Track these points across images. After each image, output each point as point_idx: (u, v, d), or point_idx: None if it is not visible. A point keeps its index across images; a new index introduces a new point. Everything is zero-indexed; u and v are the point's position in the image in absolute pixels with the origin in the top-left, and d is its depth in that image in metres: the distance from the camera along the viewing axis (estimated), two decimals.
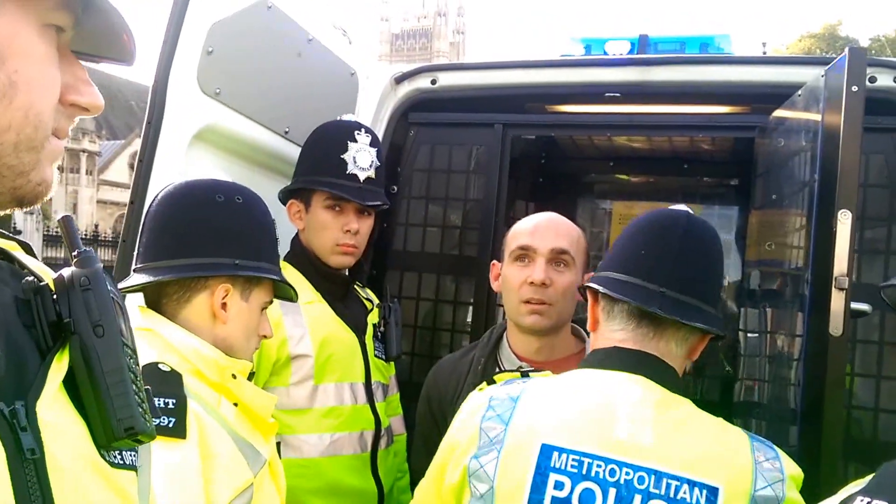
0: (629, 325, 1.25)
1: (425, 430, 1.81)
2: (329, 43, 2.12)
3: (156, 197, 1.41)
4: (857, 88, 1.64)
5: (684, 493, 1.16)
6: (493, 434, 1.23)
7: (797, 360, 1.90)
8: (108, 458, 0.70)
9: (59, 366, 0.67)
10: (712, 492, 1.15)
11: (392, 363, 2.08)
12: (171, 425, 1.13)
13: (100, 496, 0.66)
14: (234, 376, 1.29)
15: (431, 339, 2.64)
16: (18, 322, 0.65)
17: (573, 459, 1.20)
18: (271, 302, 1.45)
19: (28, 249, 0.74)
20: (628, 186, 3.59)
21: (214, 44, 1.63)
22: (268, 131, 1.88)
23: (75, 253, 0.72)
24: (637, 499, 1.16)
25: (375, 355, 1.96)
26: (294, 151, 2.00)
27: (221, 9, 1.65)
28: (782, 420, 1.99)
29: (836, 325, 1.62)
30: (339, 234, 1.88)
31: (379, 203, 1.91)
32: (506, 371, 1.71)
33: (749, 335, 2.52)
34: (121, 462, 0.71)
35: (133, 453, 0.74)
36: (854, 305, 1.71)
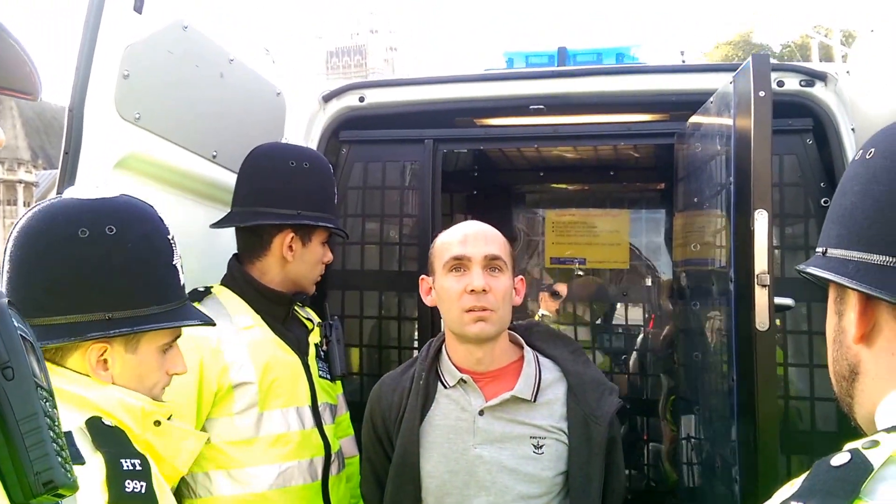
0: None
1: (371, 453, 1.77)
2: (252, 63, 2.10)
3: (14, 227, 1.19)
4: (763, 93, 1.71)
5: None
6: None
7: (729, 356, 1.96)
8: None
9: None
10: None
11: (338, 382, 2.06)
12: (143, 491, 1.01)
13: None
14: (157, 423, 1.18)
15: (379, 357, 2.64)
16: None
17: None
18: (176, 338, 1.30)
19: None
20: (559, 194, 3.68)
21: (130, 67, 1.59)
22: (195, 156, 1.85)
23: None
24: None
25: (320, 376, 1.93)
26: (223, 175, 1.97)
27: (135, 31, 1.61)
28: (721, 416, 2.06)
29: (761, 321, 1.68)
30: (322, 266, 1.98)
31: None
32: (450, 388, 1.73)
33: (683, 332, 2.61)
34: None
35: None
36: (778, 300, 1.77)
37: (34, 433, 0.63)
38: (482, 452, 1.64)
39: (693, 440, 2.41)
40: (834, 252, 0.82)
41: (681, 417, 2.57)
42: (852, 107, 2.19)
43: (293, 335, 1.90)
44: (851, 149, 2.16)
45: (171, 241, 1.28)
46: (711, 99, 2.12)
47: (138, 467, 1.03)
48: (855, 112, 2.15)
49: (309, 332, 1.97)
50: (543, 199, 3.71)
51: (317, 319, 2.04)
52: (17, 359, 0.64)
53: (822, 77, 2.25)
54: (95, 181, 1.53)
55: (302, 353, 1.89)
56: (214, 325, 1.37)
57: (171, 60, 1.72)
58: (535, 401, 1.67)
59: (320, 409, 1.89)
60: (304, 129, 2.45)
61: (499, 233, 1.75)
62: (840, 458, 0.71)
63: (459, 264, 1.67)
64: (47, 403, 0.66)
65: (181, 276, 1.29)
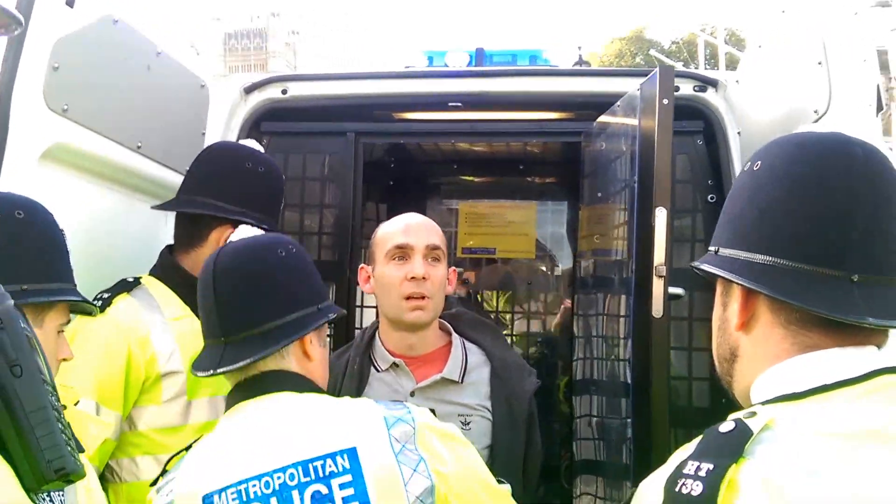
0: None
1: None
2: (178, 55, 2.10)
3: None
4: (667, 101, 1.87)
5: (331, 467, 1.21)
6: None
7: (625, 340, 2.11)
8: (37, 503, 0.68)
9: None
10: (351, 452, 1.19)
11: None
12: None
13: None
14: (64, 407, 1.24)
15: None
16: None
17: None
18: (68, 322, 1.37)
19: None
20: (472, 186, 3.81)
21: (60, 59, 1.58)
22: (120, 147, 1.84)
23: None
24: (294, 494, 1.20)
25: None
26: (148, 166, 1.97)
27: (66, 24, 1.60)
28: (616, 394, 2.20)
29: (657, 308, 1.82)
30: None
31: None
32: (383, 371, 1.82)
33: (582, 318, 2.79)
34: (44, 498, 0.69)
35: (61, 494, 0.73)
36: (670, 290, 1.91)
37: (44, 425, 0.67)
38: None
39: (589, 418, 2.56)
40: (724, 251, 0.94)
41: (578, 398, 2.72)
42: (740, 112, 2.37)
43: None
44: (737, 150, 2.36)
45: (63, 233, 1.36)
46: (619, 103, 2.27)
47: None
48: (742, 117, 2.35)
49: None
50: (457, 190, 3.84)
51: None
52: (24, 358, 0.68)
53: (714, 84, 2.43)
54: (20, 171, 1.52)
55: None
56: (94, 307, 1.44)
57: (100, 54, 1.71)
58: (462, 382, 1.80)
59: None
60: (224, 119, 2.44)
61: (437, 225, 1.85)
62: (726, 426, 0.83)
63: (402, 253, 1.77)
64: (53, 397, 0.70)
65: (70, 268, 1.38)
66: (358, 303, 2.86)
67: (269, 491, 1.20)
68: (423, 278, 1.74)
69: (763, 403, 0.87)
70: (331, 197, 2.69)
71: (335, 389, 1.81)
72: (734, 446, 0.80)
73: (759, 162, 0.93)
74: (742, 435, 0.81)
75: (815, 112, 1.72)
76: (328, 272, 2.72)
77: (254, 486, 1.20)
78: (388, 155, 3.33)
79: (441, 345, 1.87)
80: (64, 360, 1.35)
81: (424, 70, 2.65)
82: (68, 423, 0.71)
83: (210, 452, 1.27)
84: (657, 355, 1.87)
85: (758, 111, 2.24)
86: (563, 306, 3.75)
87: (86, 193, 1.40)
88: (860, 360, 0.85)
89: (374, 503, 1.19)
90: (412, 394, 1.78)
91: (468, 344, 1.89)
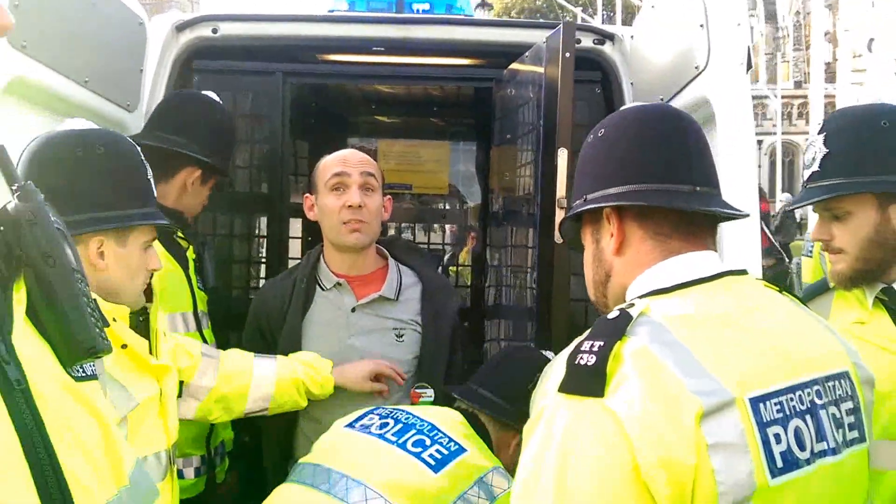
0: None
1: (254, 346, 2.02)
2: None
3: (24, 151, 1.41)
4: (568, 55, 2.08)
5: (443, 440, 1.56)
6: None
7: (531, 269, 2.32)
8: (72, 374, 0.74)
9: (19, 297, 0.72)
10: (461, 449, 1.51)
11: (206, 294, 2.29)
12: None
13: (72, 411, 0.71)
14: (114, 320, 1.39)
15: (231, 272, 2.85)
16: None
17: None
18: (153, 238, 1.54)
19: None
20: (390, 126, 3.99)
21: None
22: (71, 82, 1.95)
23: (15, 187, 0.73)
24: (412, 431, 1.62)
25: (199, 287, 2.17)
26: (94, 100, 2.07)
27: None
28: (522, 318, 2.41)
29: (558, 236, 2.00)
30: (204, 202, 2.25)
31: None
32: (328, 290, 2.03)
33: (492, 249, 3.05)
34: (83, 374, 0.80)
35: (91, 364, 0.86)
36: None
37: (76, 309, 0.74)
38: (354, 342, 1.99)
39: (497, 342, 2.75)
40: (591, 196, 1.18)
41: (489, 322, 2.90)
42: (633, 65, 2.58)
43: (176, 251, 2.11)
44: (630, 99, 2.59)
45: (145, 163, 1.51)
46: (527, 53, 2.46)
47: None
48: (635, 69, 2.57)
49: (185, 249, 2.19)
50: (375, 129, 4.00)
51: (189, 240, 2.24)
52: (56, 249, 0.73)
53: (611, 37, 2.64)
54: None
55: (184, 266, 2.12)
56: (175, 229, 1.72)
57: None
58: (397, 299, 2.03)
59: (199, 315, 2.14)
60: (157, 56, 2.51)
61: (371, 159, 2.05)
62: (613, 314, 1.02)
63: (339, 182, 1.96)
64: (82, 284, 0.76)
65: (154, 190, 1.55)
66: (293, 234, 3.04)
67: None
68: (360, 206, 1.94)
69: (640, 297, 1.08)
70: (258, 133, 2.81)
71: (282, 308, 2.02)
72: (618, 328, 0.98)
73: (603, 130, 1.21)
74: (624, 319, 1.00)
75: (696, 68, 1.97)
76: (259, 204, 2.90)
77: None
78: (312, 94, 3.44)
79: (378, 267, 2.09)
80: (154, 269, 1.52)
81: (349, 15, 2.79)
82: (96, 305, 0.79)
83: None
84: (559, 278, 2.09)
85: (649, 65, 2.46)
86: (470, 237, 4.02)
87: (43, 127, 1.53)
88: (709, 263, 1.12)
89: (440, 475, 1.54)
90: (353, 310, 2.01)
91: (402, 267, 2.11)
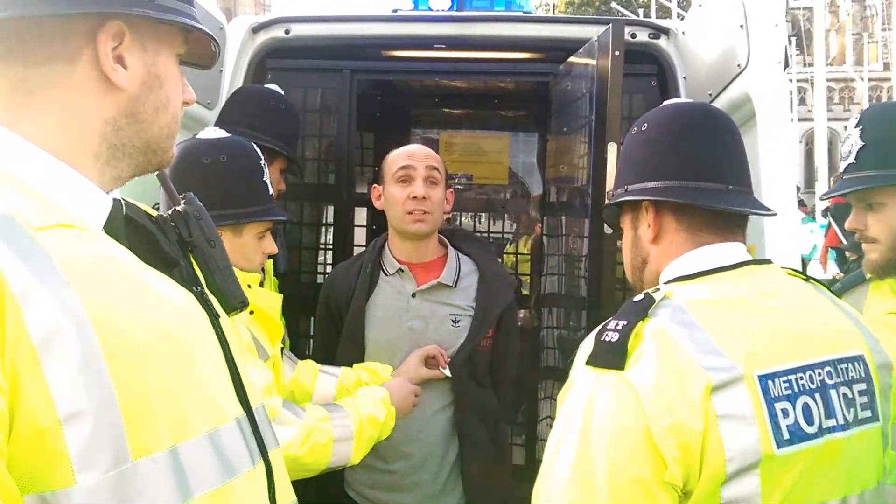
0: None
1: (324, 325, 2.21)
2: (203, 1, 2.35)
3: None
4: (618, 53, 2.16)
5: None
6: None
7: (585, 258, 2.39)
8: None
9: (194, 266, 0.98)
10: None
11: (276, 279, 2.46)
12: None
13: (235, 340, 0.95)
14: (248, 286, 1.64)
15: (300, 258, 3.03)
16: (166, 239, 0.94)
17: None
18: (268, 229, 1.79)
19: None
20: (451, 118, 4.11)
21: None
22: None
23: (182, 196, 1.00)
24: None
25: (272, 273, 2.34)
26: None
27: None
28: (575, 307, 2.48)
29: (608, 227, 2.20)
30: None
31: None
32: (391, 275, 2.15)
33: (549, 239, 3.12)
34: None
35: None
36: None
37: (230, 277, 0.99)
38: (413, 325, 2.13)
39: (552, 329, 2.83)
40: (632, 187, 1.28)
41: (545, 310, 2.97)
42: (685, 59, 2.62)
43: None
44: (683, 92, 2.66)
45: (263, 165, 1.77)
46: (581, 49, 2.54)
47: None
48: (686, 64, 2.62)
49: None
50: (437, 121, 4.13)
51: None
52: (215, 235, 1.00)
53: (667, 32, 2.67)
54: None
55: None
56: (291, 221, 1.84)
57: None
58: (455, 286, 2.16)
59: None
60: (234, 56, 2.69)
61: (436, 154, 2.19)
62: (638, 297, 1.14)
63: (406, 175, 2.10)
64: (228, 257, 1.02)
65: (270, 189, 1.80)
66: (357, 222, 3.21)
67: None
68: (424, 198, 2.08)
69: (665, 283, 1.20)
70: (327, 127, 2.95)
71: (349, 291, 2.17)
72: (642, 309, 1.10)
73: (646, 124, 1.31)
74: (648, 302, 1.11)
75: (738, 66, 2.03)
76: (326, 194, 3.07)
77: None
78: (377, 89, 3.59)
79: (439, 255, 2.21)
80: (269, 253, 1.79)
81: (411, 14, 2.90)
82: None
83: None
84: (608, 266, 2.19)
85: (699, 60, 2.51)
86: (535, 226, 4.10)
87: None
88: (734, 253, 1.22)
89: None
90: (413, 295, 2.14)
91: (461, 255, 2.23)
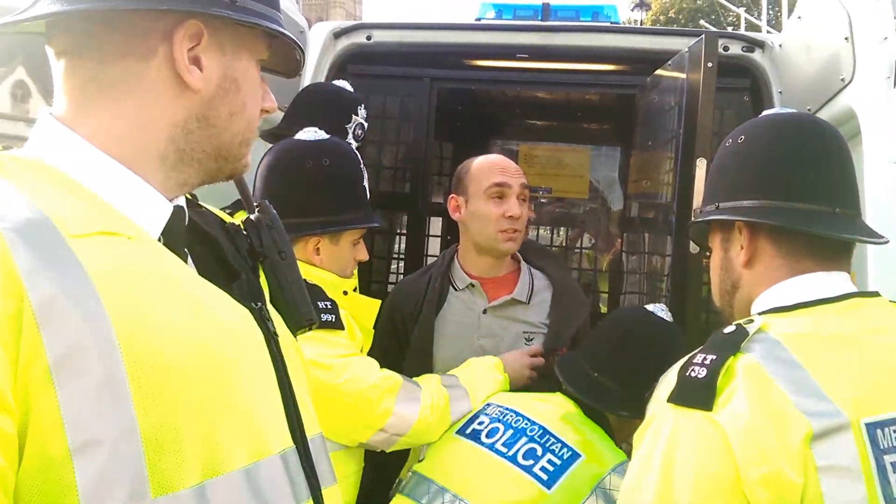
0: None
1: (385, 341, 2.08)
2: (285, 4, 2.38)
3: (261, 160, 1.71)
4: (711, 64, 2.04)
5: (555, 447, 1.55)
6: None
7: (667, 276, 2.29)
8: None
9: (262, 279, 0.92)
10: (574, 455, 1.54)
11: None
12: (333, 320, 1.54)
13: (297, 361, 0.89)
14: (344, 293, 1.66)
15: (371, 266, 3.02)
16: (233, 249, 0.90)
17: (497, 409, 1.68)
18: (361, 236, 1.76)
19: (196, 199, 0.93)
20: (532, 129, 4.04)
21: None
22: None
23: (256, 204, 0.96)
24: (522, 440, 1.59)
25: None
26: None
27: None
28: None
29: (694, 246, 2.00)
30: None
31: None
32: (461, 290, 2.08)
33: (629, 255, 3.01)
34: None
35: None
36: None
37: (299, 291, 0.94)
38: (484, 343, 2.02)
39: None
40: (724, 204, 1.16)
41: None
42: (782, 73, 2.49)
43: None
44: (779, 106, 2.56)
45: (363, 170, 1.76)
46: (670, 61, 2.44)
47: (329, 307, 1.54)
48: (783, 78, 2.48)
49: None
50: (518, 132, 4.07)
51: None
52: (287, 247, 0.95)
53: (761, 45, 2.55)
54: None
55: None
56: (384, 229, 1.84)
57: None
58: (528, 303, 2.06)
59: None
60: (315, 60, 2.69)
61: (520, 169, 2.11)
62: (729, 329, 1.03)
63: (500, 192, 2.00)
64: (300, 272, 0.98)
65: (367, 194, 1.78)
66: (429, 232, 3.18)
67: (515, 425, 1.60)
68: (518, 217, 2.00)
69: (760, 314, 1.08)
70: (404, 135, 2.94)
71: (416, 306, 2.10)
72: (734, 343, 0.99)
73: (743, 136, 1.18)
74: (740, 335, 1.00)
75: (842, 80, 1.88)
76: (402, 202, 3.05)
77: (510, 415, 1.59)
78: (457, 98, 3.54)
79: (511, 270, 2.11)
80: (361, 260, 1.78)
81: (495, 23, 2.86)
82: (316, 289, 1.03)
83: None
84: (693, 286, 2.07)
85: (797, 73, 2.38)
86: (616, 242, 3.97)
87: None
88: (838, 283, 1.10)
89: (554, 490, 1.48)
90: (484, 311, 2.05)
91: (534, 270, 2.13)
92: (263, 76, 0.89)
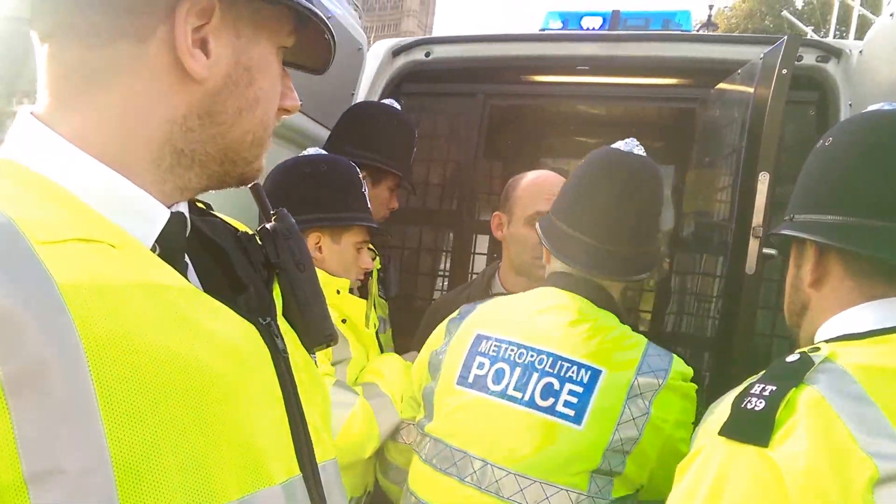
0: None
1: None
2: (343, 19, 2.31)
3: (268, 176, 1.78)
4: (786, 71, 1.91)
5: (572, 372, 1.41)
6: (451, 329, 1.62)
7: (716, 298, 2.18)
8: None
9: (277, 293, 0.84)
10: (595, 373, 1.39)
11: (386, 302, 2.40)
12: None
13: (311, 381, 0.82)
14: (338, 291, 1.66)
15: (416, 283, 2.97)
16: (246, 261, 0.81)
17: (493, 345, 1.51)
18: (367, 241, 1.80)
19: (210, 208, 0.86)
20: (584, 147, 3.95)
21: None
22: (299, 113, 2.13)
23: (273, 212, 0.87)
24: (534, 376, 1.44)
25: (378, 294, 2.28)
26: (310, 125, 2.26)
27: None
28: (700, 347, 2.29)
29: (750, 266, 1.92)
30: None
31: None
32: None
33: (678, 275, 2.86)
34: (313, 356, 0.92)
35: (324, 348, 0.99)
36: (764, 250, 1.96)
37: (318, 306, 0.86)
38: None
39: None
40: (798, 217, 1.07)
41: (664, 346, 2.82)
42: (855, 83, 2.33)
43: None
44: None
45: (362, 180, 1.82)
46: (739, 71, 2.28)
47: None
48: (858, 87, 2.31)
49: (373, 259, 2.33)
50: (570, 150, 3.97)
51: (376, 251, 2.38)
52: (305, 259, 0.86)
53: (838, 54, 2.37)
54: None
55: (368, 274, 2.23)
56: (382, 232, 1.86)
57: None
58: None
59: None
60: (370, 80, 2.64)
61: None
62: (792, 357, 0.94)
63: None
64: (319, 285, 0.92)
65: (367, 201, 1.82)
66: (476, 250, 3.11)
67: (521, 361, 1.46)
68: None
69: (826, 341, 0.98)
70: (454, 152, 2.87)
71: None
72: (796, 373, 0.90)
73: (831, 138, 1.08)
74: (804, 365, 0.91)
75: None
76: (449, 220, 2.96)
77: (511, 349, 1.50)
78: (510, 114, 3.46)
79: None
80: (366, 267, 1.81)
81: (560, 33, 2.73)
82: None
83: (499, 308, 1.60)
84: (747, 309, 1.96)
85: (873, 82, 2.23)
86: (665, 263, 3.84)
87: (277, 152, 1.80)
88: None
89: (585, 424, 1.37)
90: None
91: None
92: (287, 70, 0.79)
